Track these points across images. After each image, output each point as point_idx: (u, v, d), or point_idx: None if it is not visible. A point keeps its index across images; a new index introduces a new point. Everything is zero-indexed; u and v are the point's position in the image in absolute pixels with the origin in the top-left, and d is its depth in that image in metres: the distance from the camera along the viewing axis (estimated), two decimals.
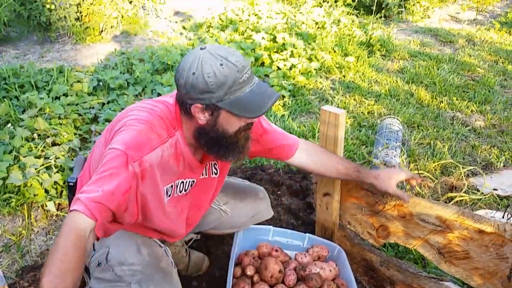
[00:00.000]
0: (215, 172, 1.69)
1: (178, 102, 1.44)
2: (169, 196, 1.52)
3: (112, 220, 1.30)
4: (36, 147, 2.86)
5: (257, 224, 2.03)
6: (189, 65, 1.33)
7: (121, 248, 1.51)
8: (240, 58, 1.34)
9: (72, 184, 1.65)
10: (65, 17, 5.81)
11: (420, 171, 2.77)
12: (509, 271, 1.54)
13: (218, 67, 1.30)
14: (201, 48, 1.34)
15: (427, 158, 3.04)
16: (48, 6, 5.56)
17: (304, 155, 1.80)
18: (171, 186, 1.52)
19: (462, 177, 2.77)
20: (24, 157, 2.75)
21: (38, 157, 2.78)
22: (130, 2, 6.53)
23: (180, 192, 1.58)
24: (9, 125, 3.17)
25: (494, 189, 2.74)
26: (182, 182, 1.57)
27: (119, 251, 1.51)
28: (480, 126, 3.64)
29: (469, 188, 2.69)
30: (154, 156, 1.36)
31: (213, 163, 1.67)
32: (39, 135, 3.02)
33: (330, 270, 1.85)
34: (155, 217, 1.48)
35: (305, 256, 1.94)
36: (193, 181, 1.61)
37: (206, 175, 1.66)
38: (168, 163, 1.43)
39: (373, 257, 1.97)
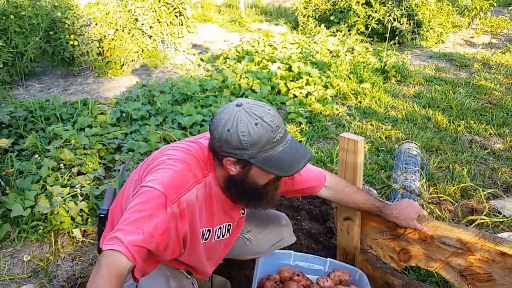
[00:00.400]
0: (243, 212, 1.74)
1: (210, 149, 1.49)
2: (206, 240, 1.59)
3: (149, 258, 1.34)
4: (62, 177, 2.97)
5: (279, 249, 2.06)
6: (224, 121, 1.36)
7: (150, 280, 1.52)
8: (275, 117, 1.39)
9: (103, 215, 1.70)
10: (87, 52, 6.07)
11: (439, 195, 2.77)
12: None
13: (253, 127, 1.34)
14: (237, 105, 1.39)
15: (447, 182, 3.03)
16: (71, 42, 5.83)
17: (329, 193, 1.87)
18: (209, 230, 1.58)
19: (482, 200, 2.75)
20: (51, 186, 2.85)
21: (64, 186, 2.88)
22: (150, 37, 6.79)
23: (218, 238, 1.65)
24: (36, 155, 3.30)
25: None
26: (220, 227, 1.63)
27: (148, 283, 1.51)
28: (499, 149, 3.62)
29: (490, 211, 2.67)
30: (191, 196, 1.42)
31: None
32: (65, 165, 3.13)
33: None
34: (191, 254, 1.54)
35: (327, 281, 1.95)
36: (230, 225, 1.68)
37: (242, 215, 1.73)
38: (204, 203, 1.49)
39: (395, 280, 1.97)
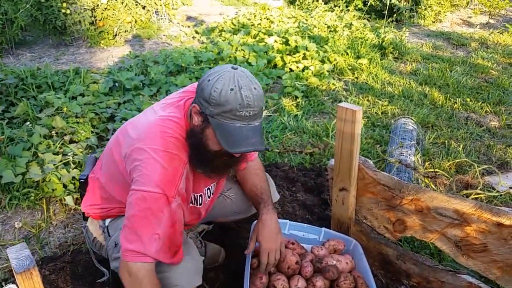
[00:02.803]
0: None
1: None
2: (200, 204, 1.69)
3: None
4: (54, 144, 2.92)
5: None
6: (212, 72, 1.41)
7: None
8: (254, 98, 1.37)
9: (82, 180, 1.77)
10: (79, 21, 5.92)
11: (435, 170, 2.76)
12: None
13: (227, 90, 1.35)
14: (232, 67, 1.41)
15: (442, 157, 3.03)
16: (63, 11, 5.67)
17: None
18: (200, 195, 1.67)
19: (477, 175, 2.76)
20: (43, 153, 2.80)
21: (56, 153, 2.83)
22: (144, 8, 6.63)
23: (209, 197, 1.75)
24: (27, 123, 3.23)
25: (510, 187, 2.72)
26: (209, 188, 1.72)
27: None
28: (495, 127, 3.62)
29: (484, 186, 2.68)
30: (184, 179, 1.47)
31: None
32: (56, 133, 3.08)
33: (347, 263, 1.86)
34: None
35: (321, 249, 1.94)
36: (214, 184, 1.75)
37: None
38: (192, 176, 1.54)
39: (390, 251, 1.98)
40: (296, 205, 2.44)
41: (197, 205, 1.69)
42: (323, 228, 2.06)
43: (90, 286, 1.87)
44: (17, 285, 1.15)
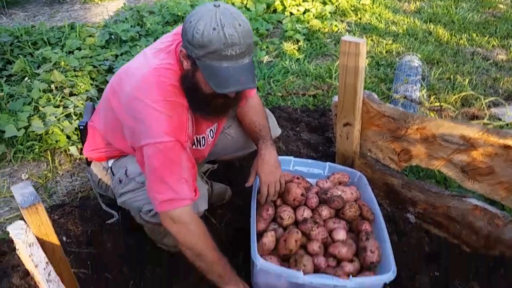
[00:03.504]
0: None
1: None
2: (203, 146, 1.69)
3: None
4: (54, 98, 2.89)
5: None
6: (194, 12, 1.34)
7: (137, 164, 1.55)
8: (239, 35, 1.30)
9: (82, 127, 1.77)
10: None
11: (440, 103, 2.72)
12: None
13: (209, 30, 1.29)
14: (214, 5, 1.33)
15: (448, 92, 2.98)
16: None
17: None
18: (203, 137, 1.67)
19: (483, 107, 2.71)
20: (43, 107, 2.79)
21: (57, 106, 2.82)
22: None
23: (212, 137, 1.75)
24: (26, 79, 3.19)
25: None
26: (211, 130, 1.72)
27: (136, 166, 1.55)
28: (502, 60, 3.53)
29: (490, 117, 2.64)
30: (190, 123, 1.47)
31: None
32: (56, 87, 3.05)
33: (352, 193, 1.86)
34: None
35: (326, 182, 1.95)
36: (216, 124, 1.76)
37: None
38: (193, 118, 1.53)
39: (395, 180, 1.97)
40: (301, 144, 2.43)
41: (200, 147, 1.68)
42: (328, 163, 2.06)
43: (100, 228, 1.90)
44: (24, 221, 1.17)
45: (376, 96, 1.97)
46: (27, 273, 1.43)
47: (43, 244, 1.05)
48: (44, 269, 0.97)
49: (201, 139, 1.67)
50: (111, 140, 1.63)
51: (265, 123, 1.83)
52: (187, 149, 1.42)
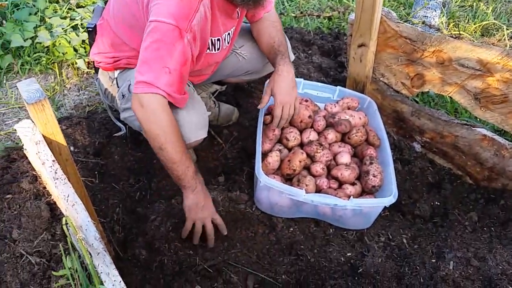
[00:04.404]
0: (237, 15, 1.65)
1: None
2: (218, 50, 1.61)
3: None
4: (61, 9, 2.81)
5: None
6: None
7: None
8: None
9: (90, 29, 1.73)
10: None
11: (460, 31, 2.61)
12: None
13: None
14: None
15: (468, 20, 2.84)
16: None
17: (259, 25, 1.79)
18: (218, 39, 1.58)
19: (505, 38, 2.60)
20: (50, 18, 2.71)
21: (64, 18, 2.74)
22: None
23: (228, 43, 1.66)
24: None
25: None
26: (229, 33, 1.63)
27: None
28: None
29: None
30: (200, 15, 1.38)
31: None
32: None
33: (360, 118, 1.84)
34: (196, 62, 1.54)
35: (335, 106, 1.92)
36: (234, 28, 1.65)
37: (237, 18, 1.63)
38: (210, 15, 1.45)
39: (405, 107, 1.94)
40: (311, 67, 2.37)
41: (214, 50, 1.61)
42: (338, 87, 2.02)
43: (107, 139, 1.92)
44: (31, 120, 1.17)
45: (394, 15, 1.88)
46: (35, 178, 1.47)
47: (50, 143, 1.06)
48: (51, 167, 0.99)
49: (216, 41, 1.59)
50: (122, 35, 1.58)
51: (283, 39, 1.77)
52: (184, 40, 1.35)
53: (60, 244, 1.15)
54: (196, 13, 1.37)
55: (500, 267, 1.40)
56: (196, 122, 1.54)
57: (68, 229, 1.06)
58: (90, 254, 0.95)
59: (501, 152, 1.70)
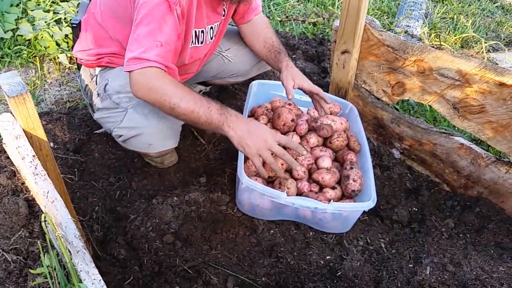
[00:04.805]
0: (224, 13, 1.66)
1: None
2: (201, 43, 1.59)
3: None
4: (44, 2, 2.76)
5: (270, 79, 2.02)
6: None
7: (119, 80, 1.55)
8: None
9: (75, 25, 1.72)
10: None
11: (440, 42, 2.67)
12: None
13: None
14: None
15: (449, 32, 2.91)
16: None
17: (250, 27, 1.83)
18: (202, 31, 1.57)
19: (482, 51, 2.67)
20: (32, 10, 2.66)
21: (47, 11, 2.69)
22: None
23: (211, 38, 1.64)
24: None
25: None
26: (212, 27, 1.62)
27: (117, 82, 1.55)
28: (510, 3, 3.43)
29: (489, 62, 2.61)
30: None
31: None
32: None
33: (341, 123, 1.87)
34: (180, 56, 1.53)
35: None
36: (218, 24, 1.65)
37: (224, 15, 1.64)
38: (195, 0, 1.45)
39: (385, 114, 1.98)
40: None
41: (198, 43, 1.61)
42: None
43: (88, 136, 1.90)
44: (11, 113, 1.15)
45: (378, 23, 1.92)
46: (13, 173, 1.44)
47: (30, 138, 1.04)
48: (31, 162, 0.97)
49: (199, 33, 1.59)
50: (108, 27, 1.57)
51: (278, 39, 1.83)
52: (174, 14, 1.33)
53: (38, 242, 1.13)
54: None
55: (474, 273, 1.43)
56: (165, 132, 1.54)
57: (47, 226, 1.04)
58: (69, 252, 0.94)
59: (477, 161, 1.74)
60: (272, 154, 1.41)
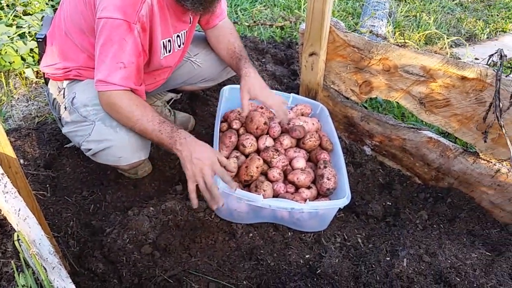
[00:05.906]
0: (190, 21, 1.67)
1: None
2: (169, 52, 1.61)
3: None
4: (6, 16, 2.70)
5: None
6: None
7: (86, 93, 1.55)
8: None
9: (40, 40, 1.71)
10: None
11: (405, 40, 2.74)
12: (485, 113, 1.60)
13: None
14: None
15: (412, 29, 3.00)
16: None
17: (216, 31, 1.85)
18: (169, 40, 1.59)
19: (445, 46, 2.76)
20: None
21: (10, 25, 2.64)
22: None
23: (179, 46, 1.66)
24: None
25: (475, 59, 2.76)
26: (178, 36, 1.64)
27: (84, 95, 1.55)
28: (468, 0, 3.56)
29: (451, 57, 2.70)
30: (146, 7, 1.40)
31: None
32: (7, 5, 2.84)
33: (313, 124, 1.90)
34: (148, 66, 1.57)
35: (289, 113, 1.96)
36: (185, 32, 1.66)
37: (190, 23, 1.65)
38: (158, 12, 1.46)
39: (354, 113, 2.02)
40: (266, 75, 2.42)
41: (166, 53, 1.62)
42: (292, 94, 2.07)
43: (58, 151, 1.87)
44: None
45: (343, 25, 1.96)
46: None
47: None
48: (0, 180, 0.95)
49: (167, 43, 1.60)
50: (74, 37, 1.56)
51: (242, 45, 1.84)
52: (134, 33, 1.38)
53: (12, 261, 1.10)
54: (143, 4, 1.38)
55: (449, 261, 1.48)
56: (135, 143, 1.54)
57: (20, 245, 1.02)
58: (44, 269, 0.92)
59: (446, 153, 1.80)
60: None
